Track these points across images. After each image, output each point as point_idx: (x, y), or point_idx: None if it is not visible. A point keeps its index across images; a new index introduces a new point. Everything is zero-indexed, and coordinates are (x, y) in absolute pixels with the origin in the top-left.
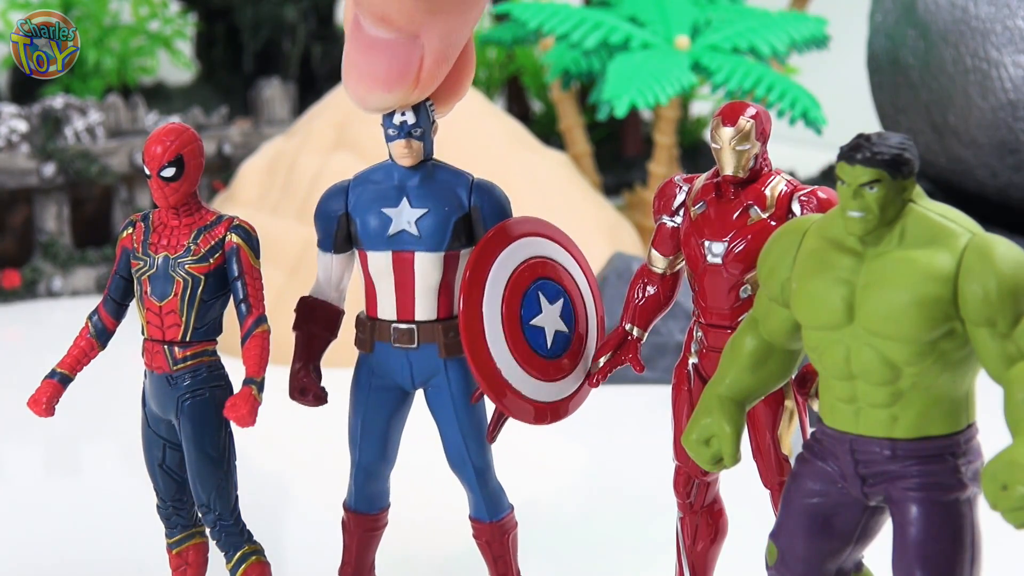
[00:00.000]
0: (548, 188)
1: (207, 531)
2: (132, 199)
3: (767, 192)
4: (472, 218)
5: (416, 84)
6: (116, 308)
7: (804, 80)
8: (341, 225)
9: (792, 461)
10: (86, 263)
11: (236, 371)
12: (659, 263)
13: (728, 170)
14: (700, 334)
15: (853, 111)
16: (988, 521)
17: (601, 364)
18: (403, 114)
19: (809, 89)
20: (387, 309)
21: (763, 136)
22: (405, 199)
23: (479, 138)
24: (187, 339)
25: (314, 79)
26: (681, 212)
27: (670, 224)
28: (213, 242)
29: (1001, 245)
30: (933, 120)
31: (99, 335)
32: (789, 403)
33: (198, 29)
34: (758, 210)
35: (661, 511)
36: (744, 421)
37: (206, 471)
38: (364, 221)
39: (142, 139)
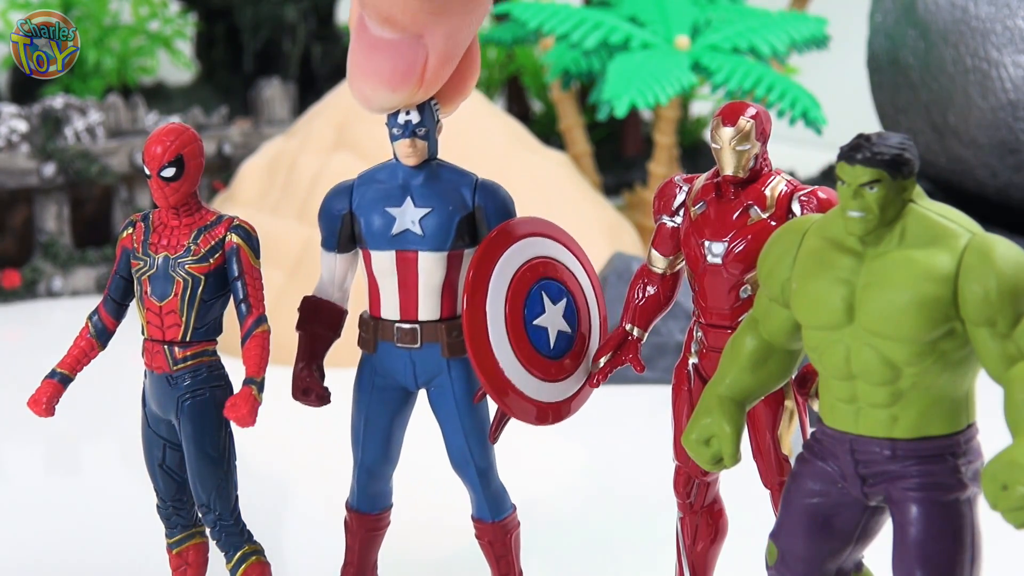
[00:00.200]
0: (548, 188)
1: (207, 531)
2: (132, 199)
3: (767, 192)
4: (476, 218)
5: (420, 84)
6: (116, 308)
7: (804, 80)
8: (345, 224)
9: (792, 461)
10: (86, 263)
11: (236, 371)
12: (659, 263)
13: (728, 170)
14: (700, 334)
15: (853, 111)
16: (988, 521)
17: (601, 364)
18: (408, 113)
19: (809, 89)
20: (390, 309)
21: (763, 136)
22: (409, 198)
23: (479, 138)
24: (187, 339)
25: (314, 79)
26: (681, 212)
27: (670, 224)
28: (213, 242)
29: (1001, 245)
30: (933, 120)
31: (99, 335)
32: (789, 403)
33: (198, 29)
34: (758, 210)
35: (661, 511)
36: (744, 421)
37: (206, 471)
38: (368, 220)
39: (142, 139)
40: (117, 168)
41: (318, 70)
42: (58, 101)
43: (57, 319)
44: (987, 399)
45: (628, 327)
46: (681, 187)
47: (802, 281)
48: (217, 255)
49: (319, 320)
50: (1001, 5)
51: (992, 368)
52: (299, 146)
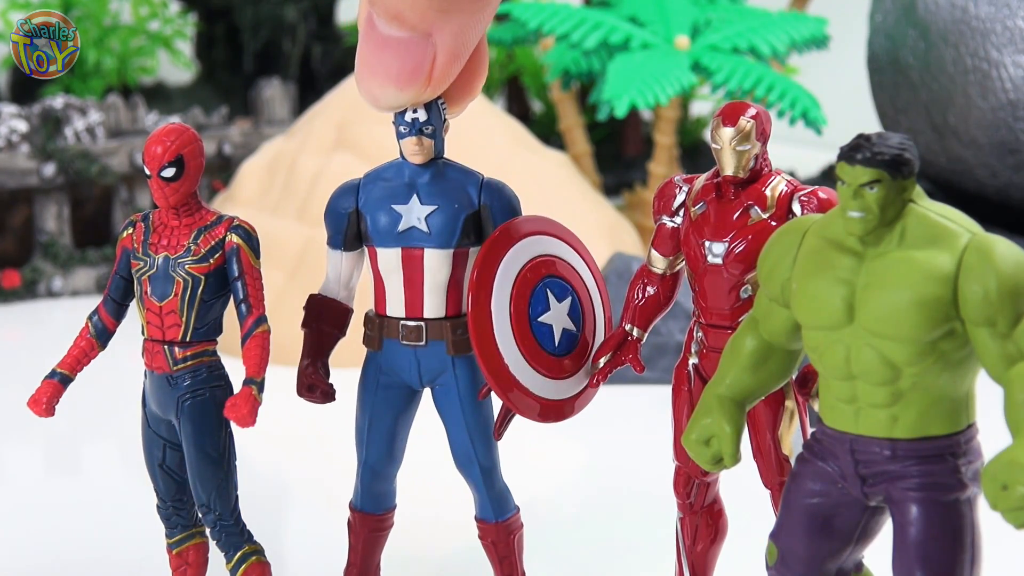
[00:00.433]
0: (548, 188)
1: (207, 531)
2: (132, 199)
3: (767, 192)
4: (481, 216)
5: (428, 83)
6: (116, 308)
7: (804, 80)
8: (351, 222)
9: (792, 461)
10: (86, 263)
11: (236, 371)
12: (659, 263)
13: (728, 170)
14: (700, 334)
15: (853, 111)
16: (988, 521)
17: (601, 364)
18: (415, 111)
19: (809, 89)
20: (396, 306)
21: (763, 136)
22: (415, 196)
23: (479, 138)
24: (187, 339)
25: (314, 79)
26: (681, 212)
27: (670, 224)
28: (213, 242)
29: (1001, 245)
30: (933, 120)
31: (99, 335)
32: (790, 403)
33: (198, 29)
34: (758, 210)
35: (661, 511)
36: (744, 421)
37: (206, 471)
38: (374, 218)
39: (142, 139)
40: (117, 168)
41: (318, 70)
42: (58, 101)
43: (57, 319)
44: (987, 399)
45: (628, 327)
46: (681, 187)
47: (802, 281)
48: (217, 255)
49: (325, 318)
50: (1001, 5)
51: (992, 368)
52: (299, 146)
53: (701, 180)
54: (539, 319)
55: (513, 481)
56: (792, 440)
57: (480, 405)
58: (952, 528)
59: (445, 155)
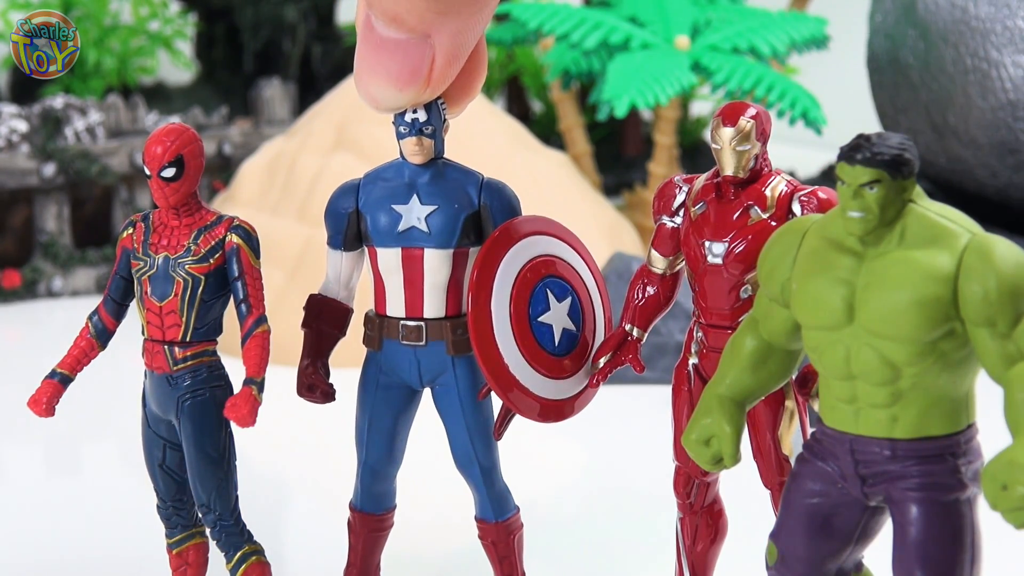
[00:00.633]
0: (548, 188)
1: (207, 531)
2: (132, 199)
3: (767, 192)
4: (481, 216)
5: (428, 84)
6: (116, 308)
7: (804, 80)
8: (351, 222)
9: (792, 461)
10: (86, 263)
11: (236, 371)
12: (659, 263)
13: (728, 170)
14: (700, 334)
15: (853, 111)
16: (988, 521)
17: (601, 364)
18: (414, 111)
19: (809, 89)
20: (396, 306)
21: (763, 136)
22: (415, 196)
23: (479, 138)
24: (187, 339)
25: (314, 79)
26: (681, 212)
27: (670, 224)
28: (213, 242)
29: (1001, 245)
30: (933, 120)
31: (99, 335)
32: (789, 403)
33: (198, 29)
34: (758, 210)
35: (661, 511)
36: (744, 421)
37: (206, 471)
38: (374, 217)
39: (142, 139)
40: (117, 168)
41: (318, 70)
42: (58, 101)
43: (57, 319)
44: (987, 399)
45: (628, 327)
46: (681, 187)
47: (802, 281)
48: (217, 255)
49: (324, 318)
50: (1001, 5)
51: (992, 368)
52: (299, 146)
53: (701, 180)
54: (539, 319)
55: (513, 481)
56: (792, 440)
57: (480, 405)
58: (952, 528)
59: (445, 155)
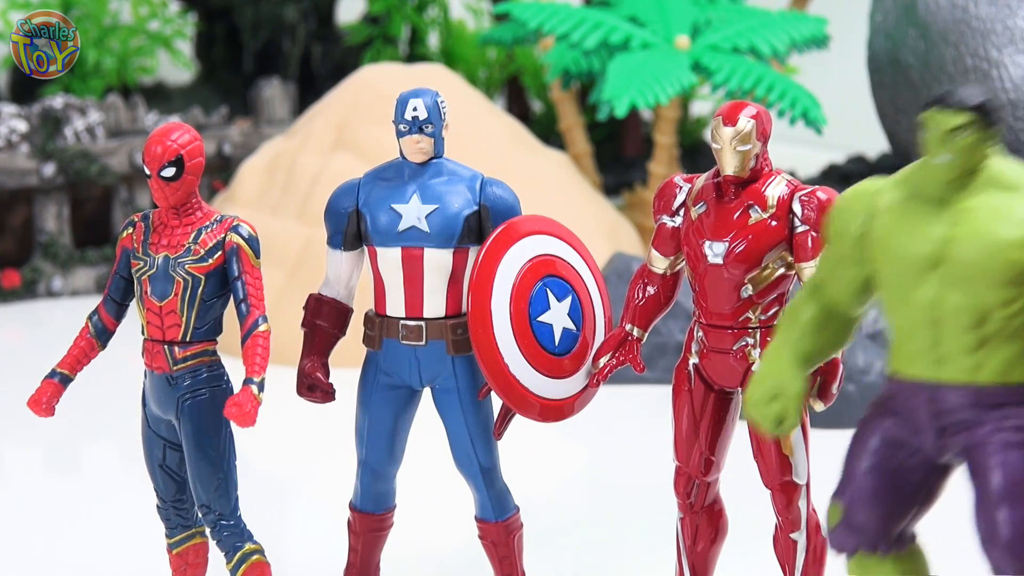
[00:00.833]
0: (548, 188)
1: (207, 531)
2: (132, 199)
3: (768, 192)
4: (481, 216)
5: None
6: (116, 308)
7: (804, 80)
8: (351, 222)
9: (792, 461)
10: (86, 263)
11: (236, 371)
12: (659, 263)
13: (729, 170)
14: (700, 334)
15: (853, 111)
16: None
17: (602, 364)
18: (415, 109)
19: (809, 89)
20: (396, 306)
21: (764, 136)
22: (415, 195)
23: (479, 138)
24: (187, 339)
25: (314, 79)
26: (681, 212)
27: (670, 224)
28: (213, 242)
29: None
30: None
31: (99, 335)
32: None
33: (198, 29)
34: (759, 210)
35: (661, 511)
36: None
37: (206, 471)
38: (374, 217)
39: (142, 139)
40: (117, 168)
41: (318, 70)
42: (58, 101)
43: (57, 319)
44: None
45: (628, 327)
46: (681, 187)
47: (885, 231)
48: (217, 255)
49: (324, 317)
50: (1001, 5)
51: None
52: (299, 146)
53: (701, 180)
54: (539, 319)
55: (513, 481)
56: (792, 440)
57: (480, 405)
58: None
59: (445, 155)
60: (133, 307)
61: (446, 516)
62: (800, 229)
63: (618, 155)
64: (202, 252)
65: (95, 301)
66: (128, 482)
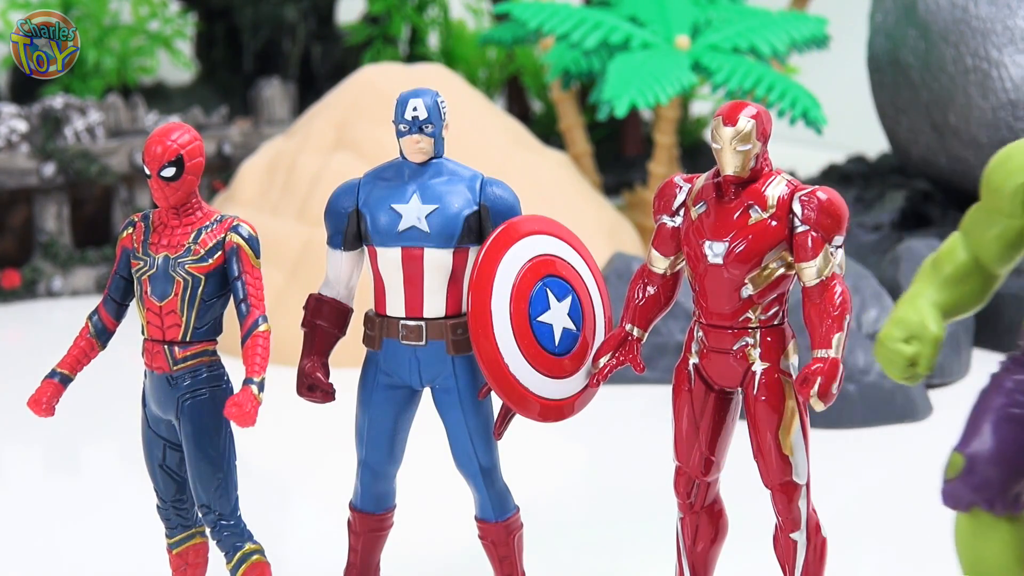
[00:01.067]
0: (548, 188)
1: (207, 531)
2: (132, 199)
3: (768, 192)
4: (481, 215)
5: None
6: (116, 308)
7: (804, 80)
8: (351, 222)
9: (792, 461)
10: (86, 263)
11: (236, 371)
12: (659, 263)
13: (729, 170)
14: (700, 334)
15: (853, 111)
16: None
17: (601, 364)
18: (415, 109)
19: (809, 89)
20: (396, 306)
21: (764, 136)
22: (415, 195)
23: (479, 138)
24: (187, 339)
25: (314, 79)
26: (681, 212)
27: (670, 224)
28: (213, 242)
29: None
30: (933, 120)
31: (99, 335)
32: (790, 403)
33: (198, 29)
34: (759, 210)
35: (661, 511)
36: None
37: (206, 471)
38: (374, 217)
39: (142, 139)
40: (117, 168)
41: (318, 70)
42: (58, 101)
43: (57, 319)
44: None
45: (628, 327)
46: (681, 187)
47: None
48: (217, 255)
49: (324, 317)
50: (1001, 5)
51: None
52: (299, 146)
53: (701, 180)
54: (539, 319)
55: (513, 481)
56: (792, 440)
57: (480, 405)
58: None
59: (445, 155)
60: (133, 307)
61: (446, 516)
62: (800, 229)
63: (618, 155)
64: (202, 252)
65: (95, 301)
66: (128, 482)
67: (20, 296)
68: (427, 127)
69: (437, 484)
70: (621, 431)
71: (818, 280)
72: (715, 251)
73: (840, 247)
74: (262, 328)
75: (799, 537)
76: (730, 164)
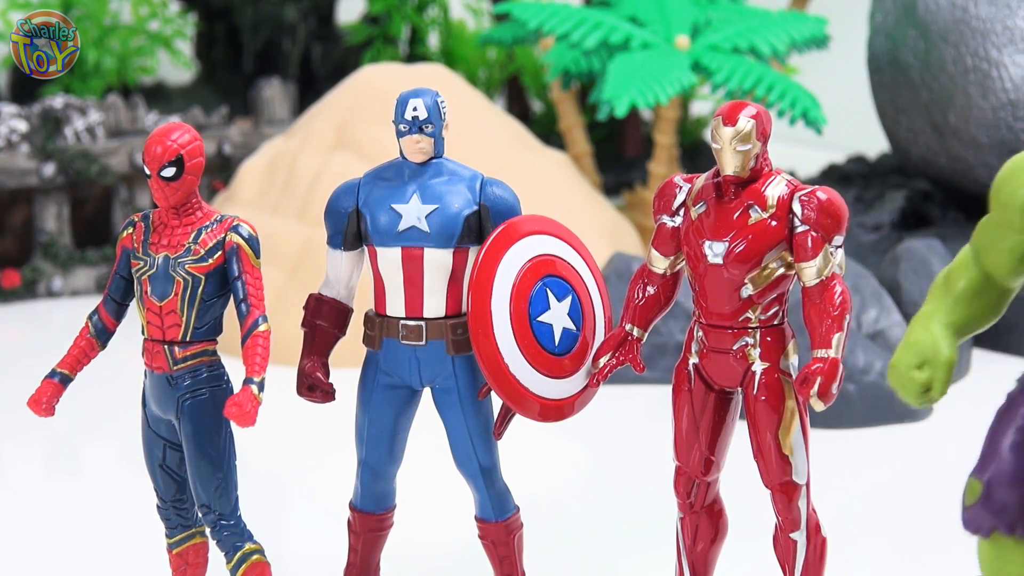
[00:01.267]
0: (548, 188)
1: (207, 531)
2: (132, 199)
3: (767, 192)
4: (481, 215)
5: None
6: (116, 308)
7: (804, 80)
8: (351, 222)
9: (793, 461)
10: (86, 263)
11: (236, 371)
12: (659, 263)
13: (729, 170)
14: (700, 334)
15: (853, 111)
16: None
17: (601, 364)
18: (415, 109)
19: (809, 89)
20: (396, 306)
21: (763, 136)
22: (415, 195)
23: (479, 138)
24: (187, 339)
25: (314, 79)
26: (681, 212)
27: (670, 224)
28: (213, 242)
29: None
30: (933, 120)
31: (99, 335)
32: (790, 403)
33: (198, 29)
34: (759, 210)
35: (661, 511)
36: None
37: (206, 471)
38: (374, 217)
39: (142, 139)
40: (117, 168)
41: (318, 70)
42: (58, 101)
43: (57, 319)
44: None
45: (628, 327)
46: (681, 187)
47: None
48: (217, 255)
49: (324, 317)
50: (1001, 5)
51: None
52: (299, 146)
53: (701, 180)
54: (539, 318)
55: (513, 481)
56: (792, 440)
57: (480, 405)
58: None
59: (445, 155)
60: (133, 307)
61: (446, 516)
62: (800, 229)
63: (618, 155)
64: (202, 252)
65: (95, 301)
66: (128, 482)
67: (20, 296)
68: (427, 127)
69: (437, 484)
70: (621, 431)
71: (818, 280)
72: (715, 251)
73: (840, 247)
74: (262, 328)
75: (799, 537)
76: (730, 164)
